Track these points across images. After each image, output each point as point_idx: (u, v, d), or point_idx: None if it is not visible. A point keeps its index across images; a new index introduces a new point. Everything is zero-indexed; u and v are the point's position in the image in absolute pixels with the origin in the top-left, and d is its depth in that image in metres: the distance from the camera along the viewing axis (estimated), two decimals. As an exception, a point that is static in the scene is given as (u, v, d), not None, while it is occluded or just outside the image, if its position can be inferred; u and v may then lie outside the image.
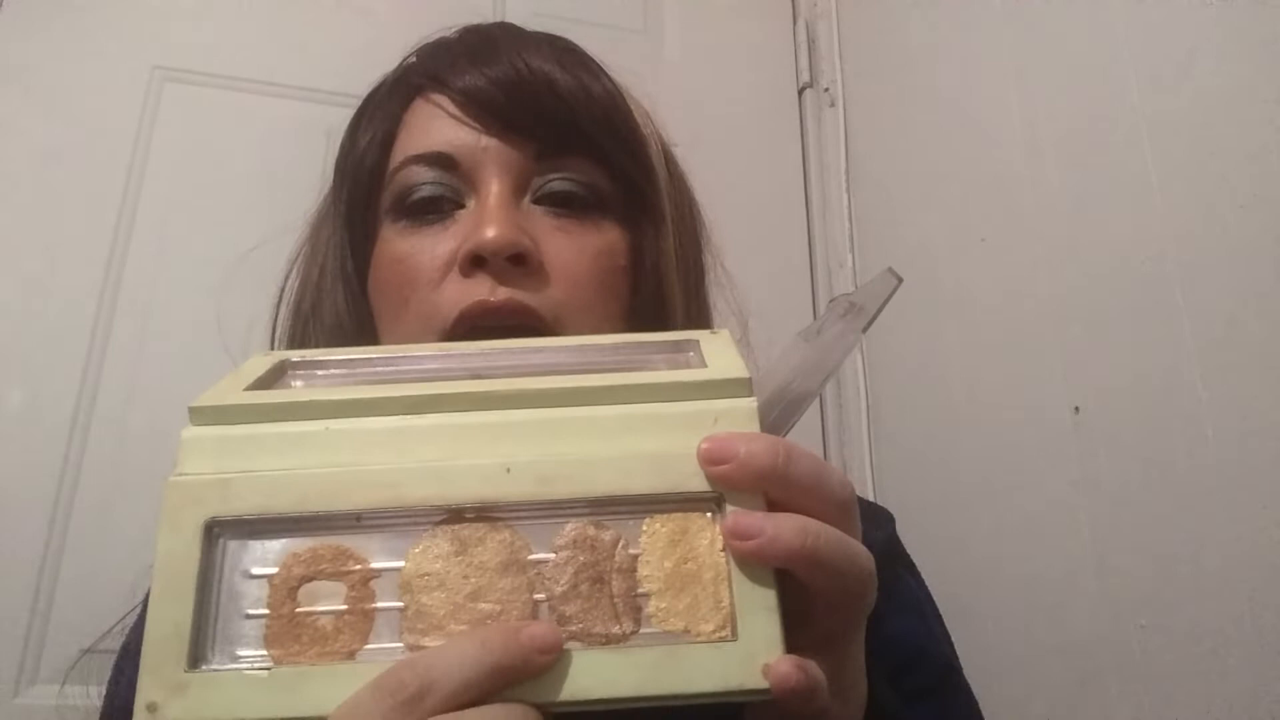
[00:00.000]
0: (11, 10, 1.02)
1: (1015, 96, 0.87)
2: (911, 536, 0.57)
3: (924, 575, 0.55)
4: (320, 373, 0.36)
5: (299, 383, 0.35)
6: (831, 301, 0.37)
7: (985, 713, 0.51)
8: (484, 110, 0.47)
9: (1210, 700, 0.61)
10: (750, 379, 0.31)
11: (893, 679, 0.42)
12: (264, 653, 0.27)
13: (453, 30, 0.53)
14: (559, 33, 0.53)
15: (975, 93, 0.94)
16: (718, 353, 0.34)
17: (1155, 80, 0.70)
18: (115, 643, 0.50)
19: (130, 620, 0.50)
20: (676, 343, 0.37)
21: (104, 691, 0.48)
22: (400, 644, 0.27)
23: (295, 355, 0.36)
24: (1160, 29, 0.71)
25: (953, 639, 0.53)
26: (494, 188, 0.46)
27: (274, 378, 0.34)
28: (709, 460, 0.29)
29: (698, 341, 0.35)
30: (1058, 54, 0.83)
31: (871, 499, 1.02)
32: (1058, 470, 0.77)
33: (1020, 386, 0.83)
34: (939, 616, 0.53)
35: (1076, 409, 0.75)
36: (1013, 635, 0.80)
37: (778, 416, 0.34)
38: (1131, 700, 0.67)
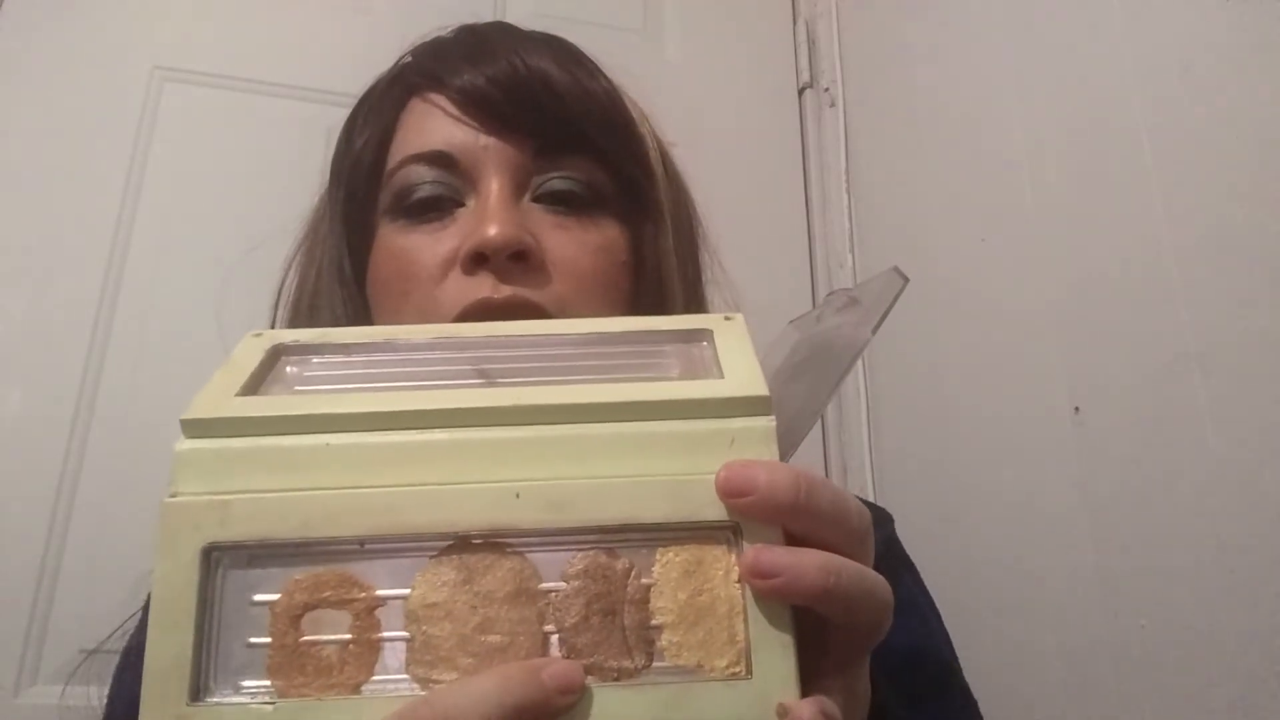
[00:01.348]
0: (11, 10, 1.02)
1: (1015, 96, 0.87)
2: (911, 537, 0.57)
3: (924, 576, 0.55)
4: (316, 359, 0.34)
5: (293, 369, 0.34)
6: (830, 294, 0.36)
7: (985, 713, 0.51)
8: (482, 109, 0.47)
9: (1210, 701, 0.61)
10: (769, 397, 0.30)
11: (893, 681, 0.42)
12: (267, 683, 0.26)
13: (448, 29, 0.53)
14: (559, 33, 0.53)
15: (975, 92, 0.94)
16: (733, 355, 0.32)
17: (1155, 80, 0.70)
18: (116, 644, 0.50)
19: (132, 624, 0.50)
20: (689, 332, 0.35)
21: (105, 694, 0.48)
22: (406, 676, 0.26)
23: (289, 338, 0.35)
24: (1161, 29, 0.71)
25: (952, 639, 0.53)
26: (494, 186, 0.46)
27: (268, 368, 0.33)
28: (728, 492, 0.28)
29: (711, 332, 0.34)
30: (1058, 54, 0.83)
31: (871, 499, 1.02)
32: (1058, 470, 0.77)
33: (1020, 386, 0.83)
34: (939, 617, 0.53)
35: (1076, 409, 0.75)
36: (1013, 636, 0.80)
37: (786, 433, 0.32)
38: (1131, 700, 0.67)
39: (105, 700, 0.48)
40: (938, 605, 0.54)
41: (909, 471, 1.01)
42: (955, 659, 0.52)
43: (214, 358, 0.33)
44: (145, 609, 0.49)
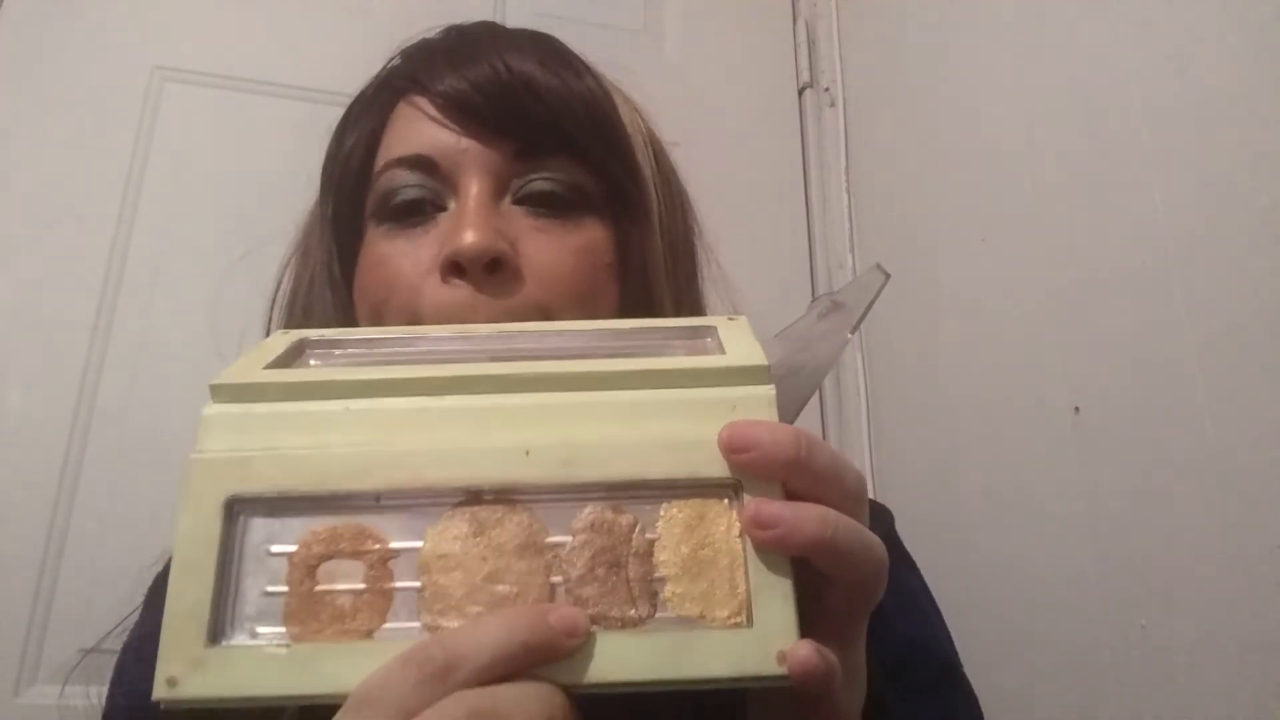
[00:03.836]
0: (11, 10, 1.02)
1: (1015, 96, 0.87)
2: (911, 536, 0.57)
3: (924, 574, 0.55)
4: (338, 352, 0.36)
5: (317, 362, 0.35)
6: (814, 300, 0.37)
7: (985, 712, 0.51)
8: (463, 112, 0.47)
9: (1210, 701, 0.61)
10: (769, 366, 0.31)
11: (893, 676, 0.42)
12: (282, 630, 0.27)
13: (436, 31, 0.53)
14: (558, 32, 0.53)
15: (975, 92, 0.94)
16: (737, 339, 0.34)
17: (1156, 79, 0.70)
18: (116, 643, 0.50)
19: (131, 621, 0.50)
20: (694, 328, 0.37)
21: (104, 692, 0.48)
22: (418, 624, 0.28)
23: (314, 334, 0.36)
24: (1161, 28, 0.71)
25: (953, 638, 0.53)
26: (473, 189, 0.46)
27: (293, 356, 0.34)
28: (731, 448, 0.29)
29: (715, 328, 0.36)
30: (1058, 54, 0.83)
31: (871, 498, 1.02)
32: (1058, 470, 0.77)
33: (1020, 386, 0.83)
34: (939, 613, 0.54)
35: (1076, 409, 0.75)
36: (1013, 635, 0.80)
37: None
38: (1132, 700, 0.67)
39: (105, 696, 0.48)
40: (938, 603, 0.54)
41: (909, 471, 1.01)
42: (955, 655, 0.52)
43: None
44: (144, 605, 0.49)
